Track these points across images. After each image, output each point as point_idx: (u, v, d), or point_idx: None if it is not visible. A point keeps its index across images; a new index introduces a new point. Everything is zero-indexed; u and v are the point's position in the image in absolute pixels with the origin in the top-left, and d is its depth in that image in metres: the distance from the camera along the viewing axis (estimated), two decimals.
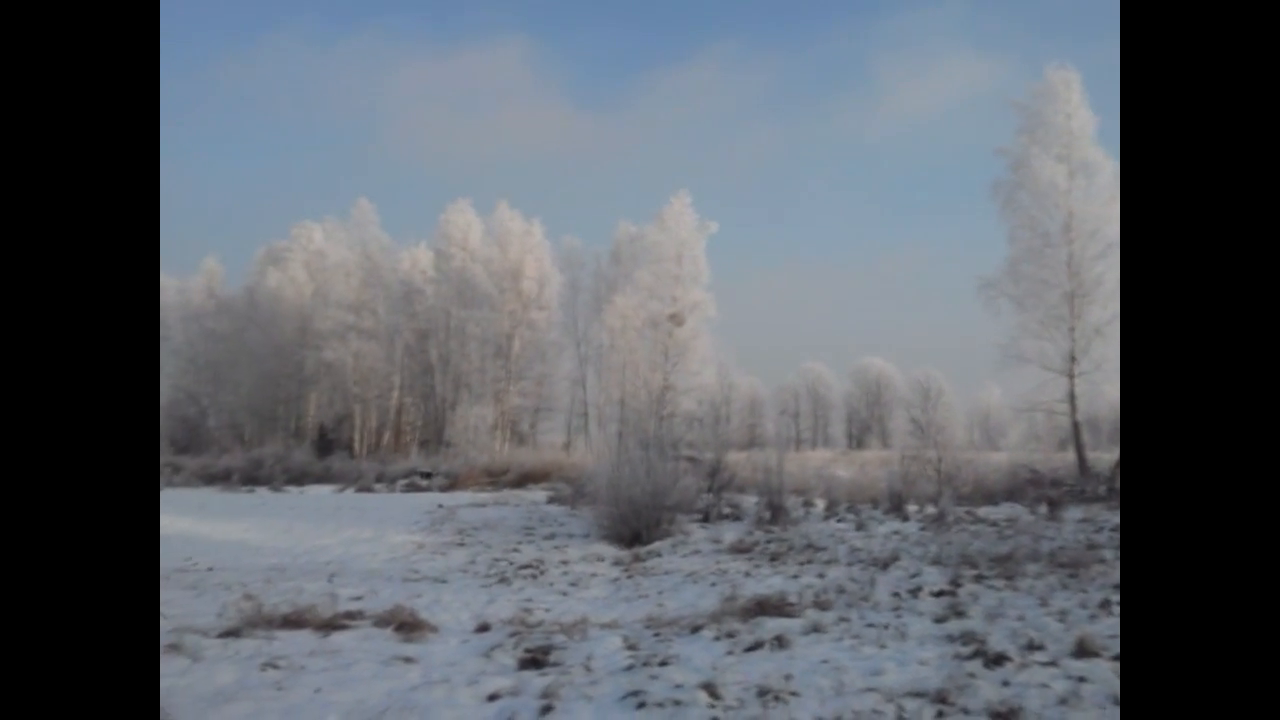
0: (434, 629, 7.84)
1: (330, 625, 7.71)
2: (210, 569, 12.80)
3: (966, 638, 7.04)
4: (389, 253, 52.25)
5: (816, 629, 7.64)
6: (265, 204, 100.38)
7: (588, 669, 6.31)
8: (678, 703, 5.41)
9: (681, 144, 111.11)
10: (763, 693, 5.59)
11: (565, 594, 10.69)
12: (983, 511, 18.30)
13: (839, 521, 18.20)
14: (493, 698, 5.63)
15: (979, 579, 10.06)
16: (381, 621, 7.89)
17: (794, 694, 5.60)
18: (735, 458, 23.99)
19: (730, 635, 7.43)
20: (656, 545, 15.10)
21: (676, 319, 44.60)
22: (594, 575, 12.27)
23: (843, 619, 8.12)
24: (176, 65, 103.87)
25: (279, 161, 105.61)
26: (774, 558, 13.14)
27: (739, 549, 14.27)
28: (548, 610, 9.46)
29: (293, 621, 7.74)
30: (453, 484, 34.18)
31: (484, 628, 8.07)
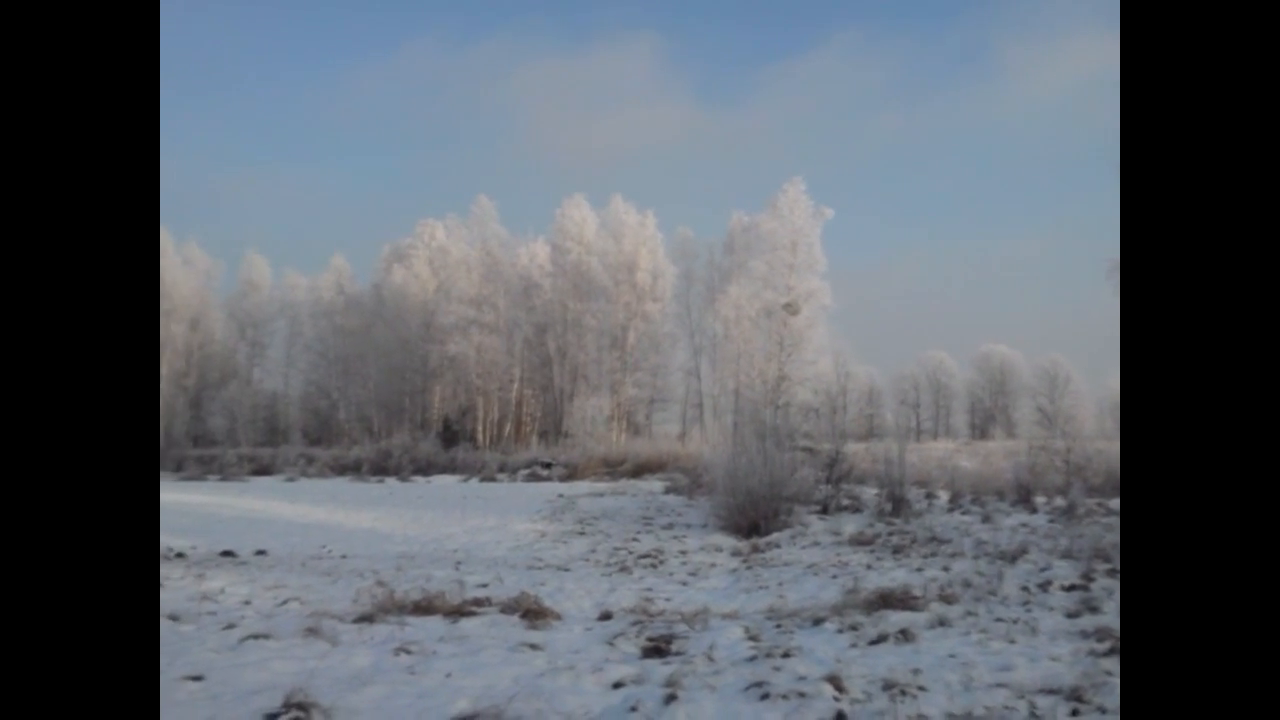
0: (558, 616, 8.00)
1: (459, 612, 7.95)
2: (344, 556, 13.34)
3: (1102, 634, 6.79)
4: (508, 248, 53.29)
5: (942, 623, 7.49)
6: (390, 202, 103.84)
7: (710, 659, 6.34)
8: (802, 695, 5.39)
9: (799, 135, 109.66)
10: (889, 686, 5.52)
11: (685, 584, 10.75)
12: (1115, 504, 17.57)
13: (963, 514, 17.76)
14: (617, 685, 5.71)
15: (1113, 573, 9.68)
16: (507, 608, 8.09)
17: (921, 688, 5.51)
18: (853, 448, 23.65)
19: (853, 628, 7.35)
20: (775, 536, 15.03)
21: (791, 308, 44.16)
22: (713, 565, 12.30)
23: (970, 613, 7.93)
24: (323, 75, 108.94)
25: (406, 161, 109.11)
26: (896, 550, 12.91)
27: (860, 541, 14.08)
28: (668, 599, 9.54)
29: (423, 608, 8.01)
30: (572, 474, 34.72)
31: (606, 616, 8.19)
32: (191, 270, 56.25)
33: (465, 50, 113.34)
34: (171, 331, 53.42)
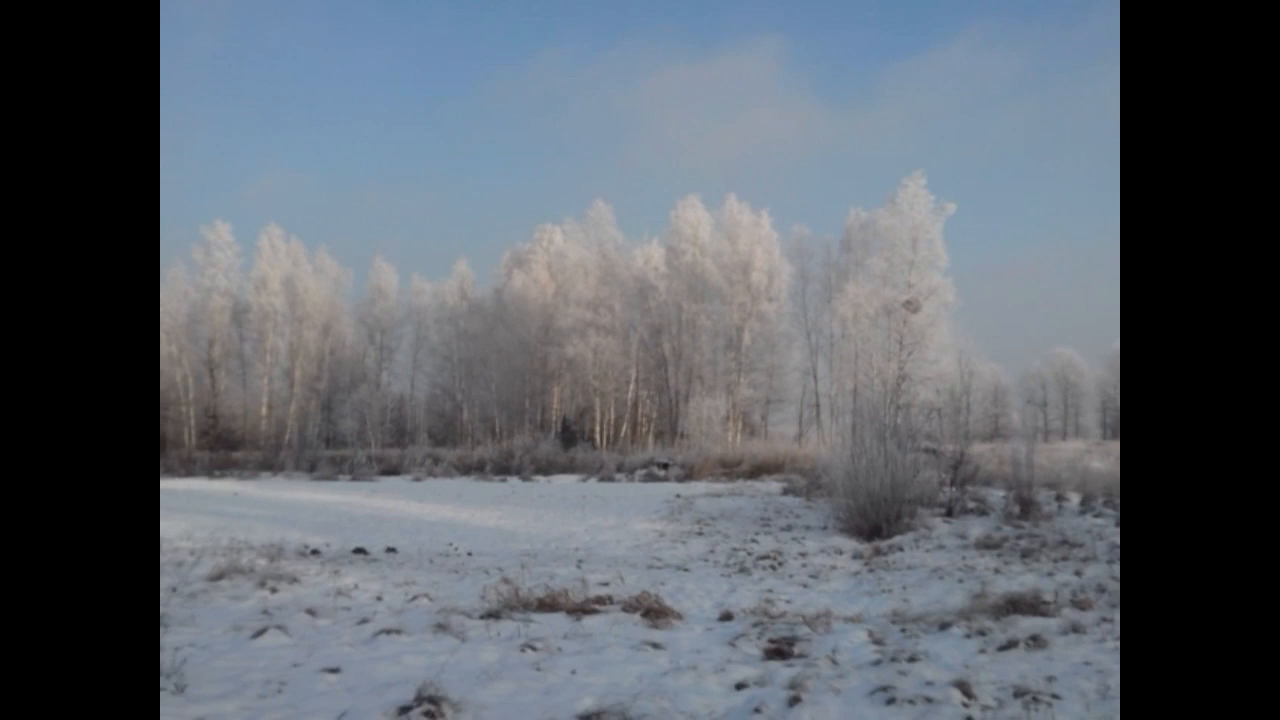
0: (679, 616, 8.05)
1: (581, 609, 8.08)
2: (470, 554, 13.70)
3: None
4: (623, 251, 53.81)
5: (1076, 629, 7.22)
6: (511, 208, 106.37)
7: (834, 662, 6.28)
8: (930, 700, 5.29)
9: (923, 132, 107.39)
10: (1020, 693, 5.36)
11: (806, 586, 10.66)
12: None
13: (1096, 516, 17.07)
14: (740, 686, 5.72)
15: None
16: (629, 607, 8.18)
17: (1055, 696, 5.33)
18: (978, 449, 23.01)
19: (982, 633, 7.16)
20: (897, 539, 14.74)
21: (912, 306, 43.23)
22: (834, 568, 12.16)
23: (1105, 619, 7.62)
24: (456, 90, 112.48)
25: (527, 168, 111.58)
26: (1025, 554, 12.51)
27: (986, 544, 13.69)
28: (789, 601, 9.48)
29: (547, 605, 8.18)
30: (689, 474, 34.78)
31: (727, 616, 8.20)
32: (322, 278, 58.60)
33: (594, 60, 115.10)
34: (305, 337, 55.81)
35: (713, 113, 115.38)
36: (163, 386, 54.15)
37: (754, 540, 15.35)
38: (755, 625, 7.59)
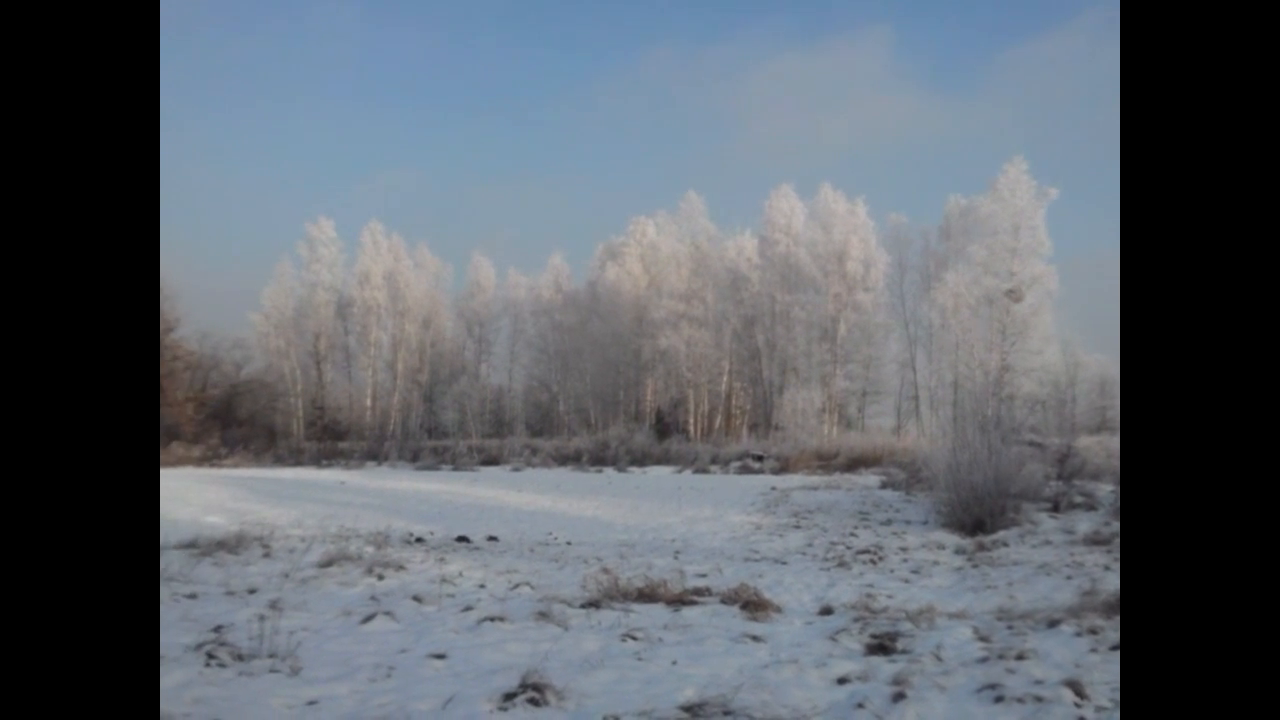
0: (778, 609, 8.02)
1: (680, 600, 8.12)
2: (568, 543, 13.89)
3: None
4: (716, 242, 53.67)
5: None
6: (605, 201, 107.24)
7: (938, 658, 6.17)
8: (1039, 699, 5.15)
9: (1032, 118, 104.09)
10: None
11: (907, 581, 10.49)
12: None
13: None
14: (842, 681, 5.67)
15: None
16: (728, 599, 8.18)
17: None
18: (1085, 443, 22.27)
19: (1093, 632, 6.94)
20: (1002, 534, 14.38)
21: (1014, 295, 42.05)
22: (935, 563, 11.93)
23: None
24: (561, 87, 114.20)
25: (623, 162, 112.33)
26: None
27: (1095, 540, 13.26)
28: (890, 596, 9.35)
29: (646, 595, 8.23)
30: (784, 467, 34.57)
31: (827, 611, 8.13)
32: (423, 273, 60.02)
33: (700, 55, 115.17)
34: (406, 330, 57.26)
35: (815, 104, 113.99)
36: (271, 379, 56.25)
37: (853, 534, 15.17)
38: (856, 620, 7.51)
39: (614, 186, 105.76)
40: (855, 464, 33.88)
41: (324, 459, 45.95)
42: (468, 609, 7.85)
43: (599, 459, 39.49)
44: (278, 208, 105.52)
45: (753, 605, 7.89)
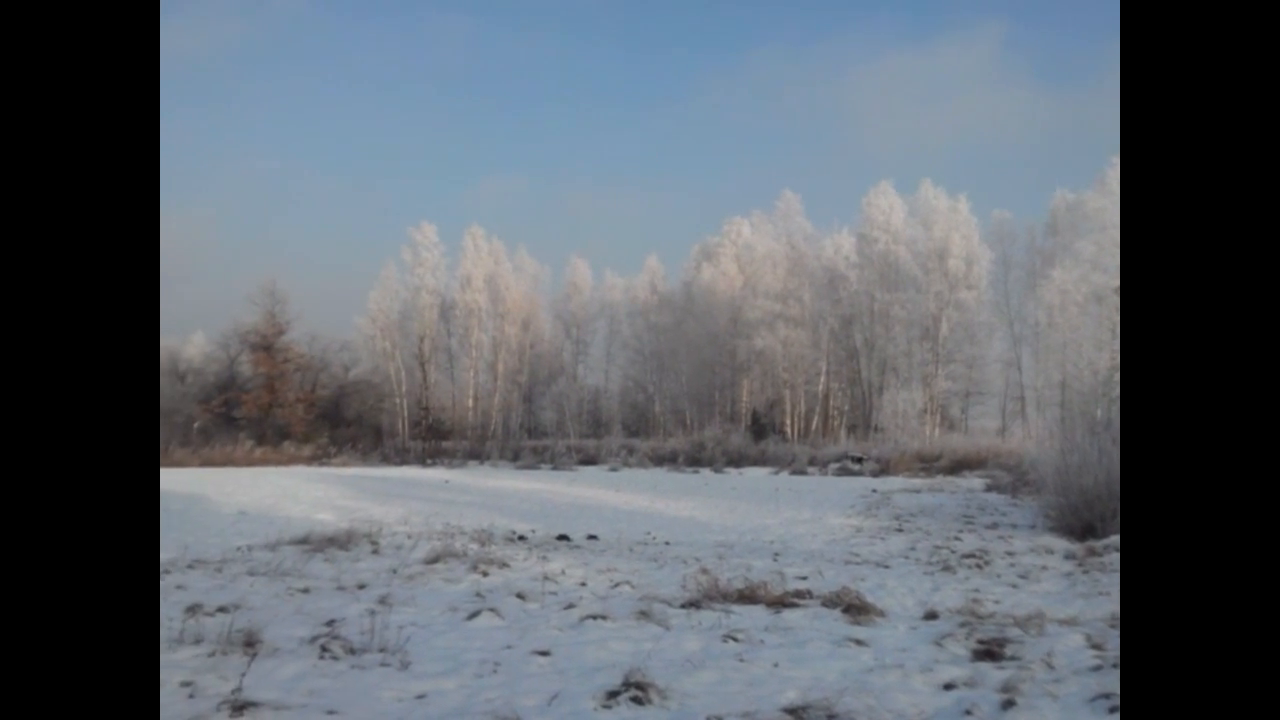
0: (881, 613, 7.90)
1: (780, 602, 8.08)
2: (667, 543, 13.94)
3: None
4: (813, 241, 53.14)
5: None
6: (701, 201, 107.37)
7: (1049, 665, 6.00)
8: None
9: None
10: None
11: (1014, 586, 10.22)
12: None
13: None
14: (948, 687, 5.56)
15: None
16: (829, 602, 8.10)
17: None
18: None
19: None
20: (1114, 539, 13.86)
21: None
22: (1044, 568, 11.58)
23: None
24: (665, 89, 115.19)
25: (720, 163, 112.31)
26: None
27: None
28: (997, 602, 9.12)
29: (746, 597, 8.22)
30: (884, 469, 34.01)
31: (932, 615, 7.98)
32: (522, 275, 60.98)
33: (805, 54, 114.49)
34: (506, 332, 58.27)
35: (920, 100, 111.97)
36: (377, 380, 57.91)
37: (957, 538, 14.84)
38: (962, 625, 7.35)
39: (710, 188, 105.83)
40: (958, 466, 33.12)
41: (428, 458, 47.12)
42: (570, 607, 7.96)
43: (695, 459, 39.49)
44: (385, 213, 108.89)
45: (855, 609, 7.79)
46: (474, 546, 12.18)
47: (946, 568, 11.45)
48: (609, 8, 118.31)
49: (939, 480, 29.50)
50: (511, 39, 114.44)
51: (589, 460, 42.94)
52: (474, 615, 7.53)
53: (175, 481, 28.60)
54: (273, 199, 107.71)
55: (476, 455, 47.64)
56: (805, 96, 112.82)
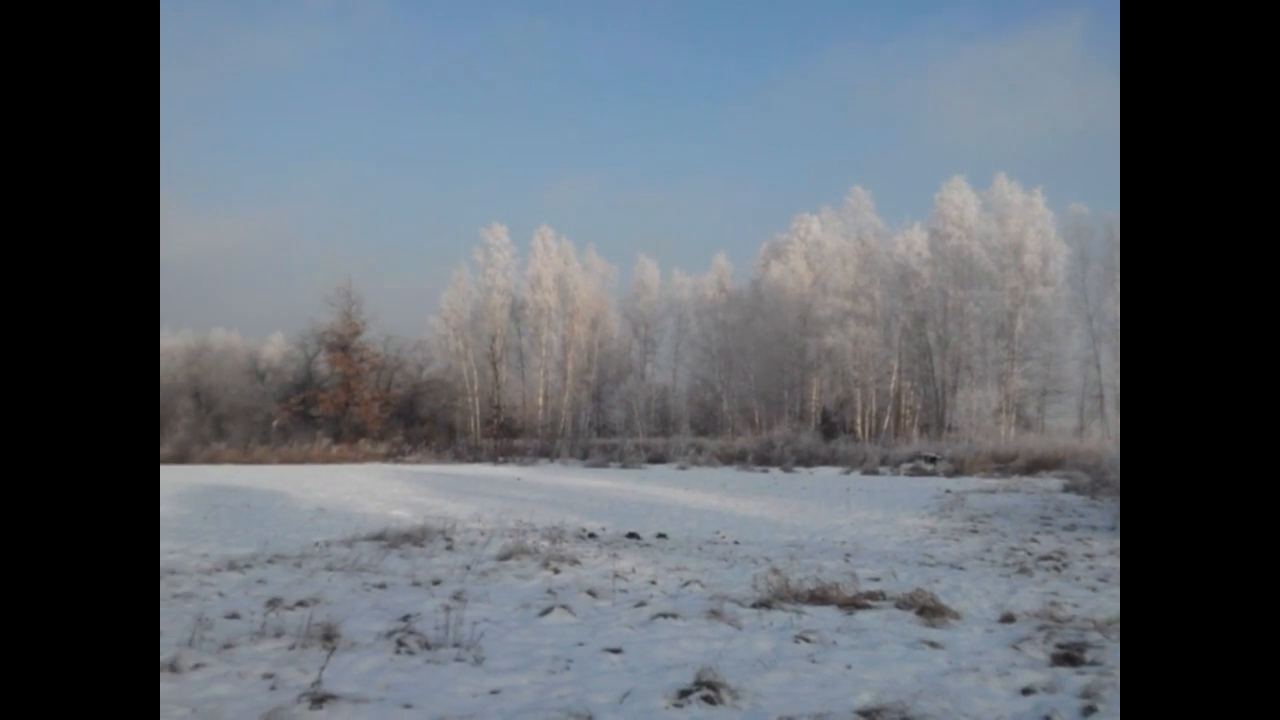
0: (956, 615, 7.78)
1: (853, 604, 8.00)
2: (736, 542, 13.90)
3: None
4: (884, 237, 52.44)
5: None
6: (769, 200, 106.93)
7: None
8: None
9: None
10: None
11: (1094, 589, 9.96)
12: None
13: None
14: (1026, 691, 5.46)
15: None
16: (903, 604, 8.00)
17: None
18: None
19: None
20: None
21: None
22: None
23: None
24: (737, 88, 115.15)
25: (791, 158, 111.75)
26: None
27: None
28: (1076, 605, 8.89)
29: (818, 597, 8.16)
30: (958, 469, 33.43)
31: (1008, 618, 7.83)
32: (590, 275, 61.31)
33: (881, 49, 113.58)
34: (575, 331, 58.66)
35: (996, 94, 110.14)
36: (450, 379, 58.78)
37: (1034, 540, 14.52)
38: (1040, 629, 7.19)
39: (778, 185, 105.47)
40: (1035, 466, 32.39)
41: (499, 456, 47.70)
42: (640, 605, 7.99)
43: (764, 458, 39.29)
44: (460, 215, 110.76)
45: (929, 610, 7.69)
46: (545, 544, 12.30)
47: (1023, 570, 11.21)
48: (686, 10, 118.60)
49: (1015, 481, 28.89)
50: (588, 40, 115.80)
51: (657, 459, 43.01)
52: (546, 612, 7.61)
53: (256, 478, 29.42)
54: (352, 201, 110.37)
55: (546, 453, 48.08)
56: (877, 92, 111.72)
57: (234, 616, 7.25)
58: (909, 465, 35.17)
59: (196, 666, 5.70)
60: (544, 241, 60.21)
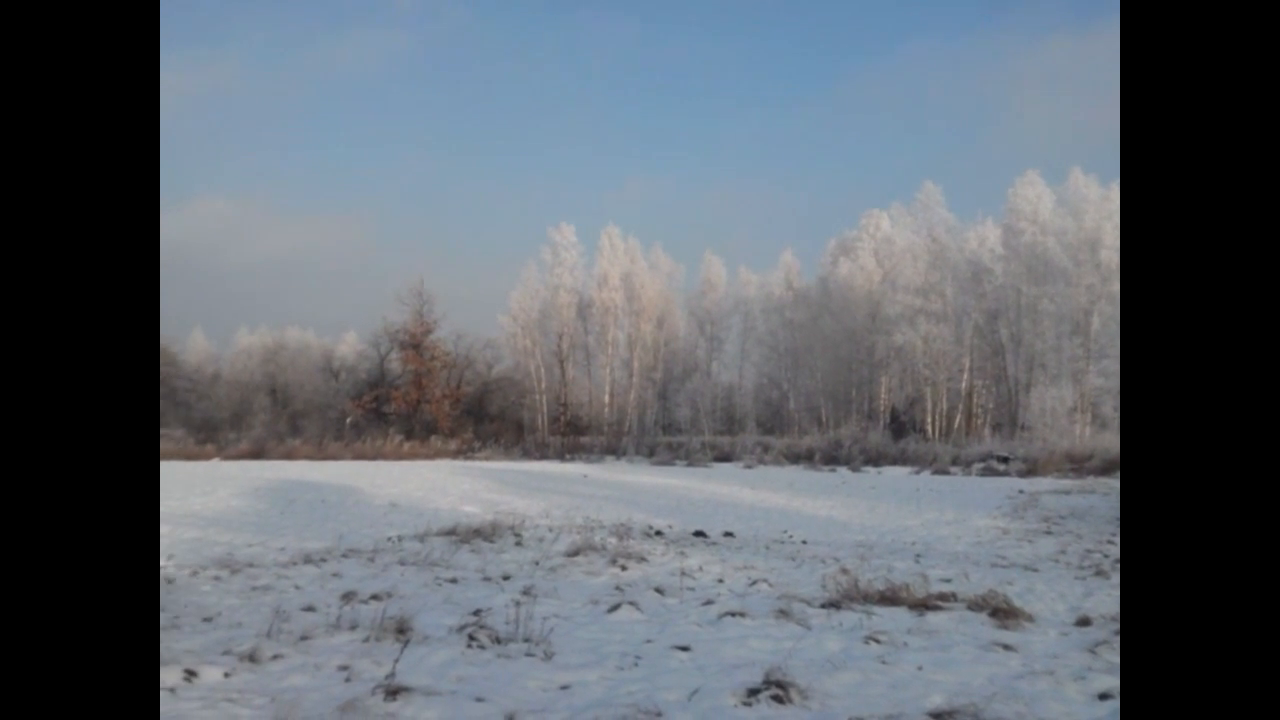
0: (1030, 618, 7.64)
1: (924, 605, 7.91)
2: (804, 542, 13.81)
3: None
4: (955, 233, 51.52)
5: None
6: (836, 197, 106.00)
7: None
8: None
9: None
10: None
11: None
12: None
13: None
14: (1104, 697, 5.34)
15: None
16: (975, 605, 7.88)
17: None
18: None
19: None
20: None
21: None
22: None
23: None
24: (807, 87, 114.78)
25: (856, 156, 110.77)
26: None
27: None
28: None
29: (888, 598, 8.08)
30: (1031, 469, 32.75)
31: (1084, 621, 7.66)
32: (656, 273, 61.34)
33: (958, 44, 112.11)
34: (641, 329, 58.76)
35: (1075, 88, 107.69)
36: (518, 377, 59.38)
37: (1110, 541, 14.16)
38: (1117, 633, 7.04)
39: (845, 183, 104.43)
40: (1112, 467, 31.53)
41: (567, 453, 48.05)
42: (708, 603, 8.00)
43: (831, 458, 38.93)
44: (532, 215, 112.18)
45: (1002, 613, 7.56)
46: (613, 540, 12.37)
47: (1099, 572, 10.95)
48: (758, 9, 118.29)
49: (1090, 481, 28.19)
50: (664, 39, 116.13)
51: (723, 457, 42.90)
52: (614, 608, 7.66)
53: (330, 474, 30.07)
54: (425, 202, 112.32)
55: (613, 451, 48.28)
56: (951, 88, 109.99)
57: (310, 609, 7.44)
58: (981, 465, 34.54)
59: (275, 657, 5.86)
60: (611, 241, 60.42)
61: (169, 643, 6.11)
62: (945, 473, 33.46)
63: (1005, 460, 34.47)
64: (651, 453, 46.10)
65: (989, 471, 33.19)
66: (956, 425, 48.66)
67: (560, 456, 47.27)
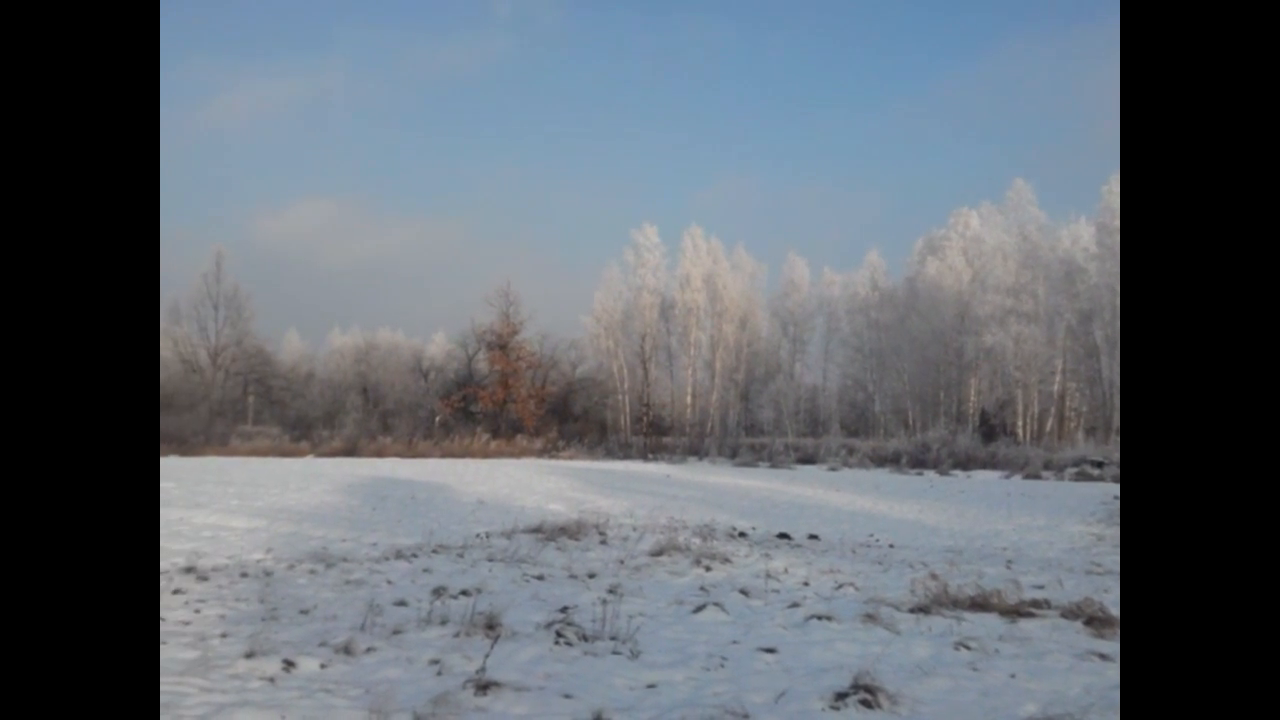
0: None
1: (1016, 611, 7.73)
2: (891, 546, 13.62)
3: None
4: (1047, 232, 50.19)
5: None
6: (926, 195, 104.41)
7: None
8: None
9: None
10: None
11: None
12: None
13: None
14: None
15: None
16: (1069, 613, 7.68)
17: None
18: None
19: None
20: None
21: None
22: None
23: None
24: (902, 86, 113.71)
25: (947, 154, 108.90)
26: None
27: None
28: None
29: (979, 604, 7.92)
30: None
31: None
32: (739, 274, 61.14)
33: (1058, 40, 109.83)
34: (724, 330, 58.65)
35: None
36: (602, 377, 59.83)
37: None
38: None
39: (933, 182, 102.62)
40: None
41: (649, 453, 48.22)
42: (794, 606, 7.96)
43: (918, 461, 38.26)
44: (612, 215, 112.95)
45: (1098, 621, 7.35)
46: (696, 541, 12.38)
47: None
48: (852, 9, 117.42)
49: None
50: (760, 42, 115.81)
51: (807, 459, 42.52)
52: (699, 609, 7.68)
53: (420, 471, 30.73)
54: (515, 204, 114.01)
55: (695, 451, 48.26)
56: (1044, 86, 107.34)
57: (402, 604, 7.63)
58: (1074, 470, 33.54)
59: (369, 650, 6.03)
60: (693, 241, 60.43)
61: (269, 634, 6.35)
62: (1037, 477, 32.61)
63: (1099, 465, 33.40)
64: (734, 454, 45.94)
65: (1082, 476, 32.22)
66: (1049, 429, 47.38)
67: (643, 456, 47.44)
